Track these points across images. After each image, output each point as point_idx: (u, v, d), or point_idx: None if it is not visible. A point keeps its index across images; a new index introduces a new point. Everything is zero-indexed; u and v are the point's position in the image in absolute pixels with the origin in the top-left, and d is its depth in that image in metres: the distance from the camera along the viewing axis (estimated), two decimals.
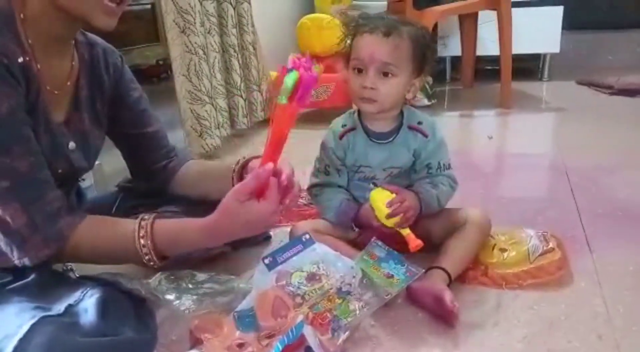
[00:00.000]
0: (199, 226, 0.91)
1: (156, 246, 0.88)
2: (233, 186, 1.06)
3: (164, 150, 1.16)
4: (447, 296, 0.92)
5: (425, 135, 1.12)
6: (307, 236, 1.00)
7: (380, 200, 1.04)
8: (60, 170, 0.94)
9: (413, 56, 1.06)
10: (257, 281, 0.95)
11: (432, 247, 1.09)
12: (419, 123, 1.13)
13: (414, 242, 1.01)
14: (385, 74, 1.04)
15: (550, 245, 1.12)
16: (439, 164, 1.13)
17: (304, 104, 0.85)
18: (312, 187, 1.19)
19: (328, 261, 0.98)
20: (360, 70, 1.05)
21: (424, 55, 1.08)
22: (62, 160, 0.95)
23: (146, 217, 0.91)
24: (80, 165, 1.01)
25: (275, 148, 0.88)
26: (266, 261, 0.95)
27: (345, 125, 1.15)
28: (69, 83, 0.95)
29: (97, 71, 1.02)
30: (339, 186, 1.17)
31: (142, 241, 0.88)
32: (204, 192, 1.12)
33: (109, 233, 0.90)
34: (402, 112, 1.13)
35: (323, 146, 1.17)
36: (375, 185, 1.12)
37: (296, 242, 0.98)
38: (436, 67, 3.26)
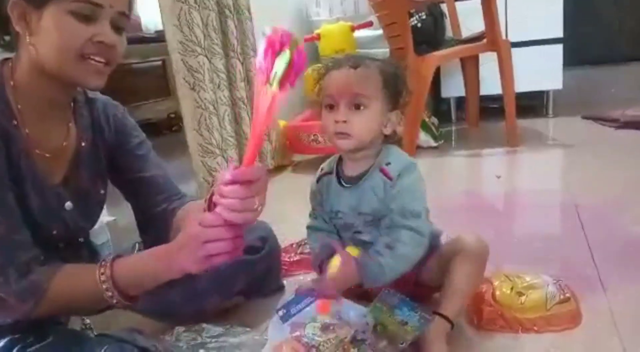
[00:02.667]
0: (152, 254, 0.90)
1: (117, 284, 0.88)
2: None
3: (164, 195, 1.12)
4: None
5: (390, 178, 1.01)
6: None
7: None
8: (54, 232, 0.95)
9: (384, 87, 1.01)
10: (272, 334, 0.96)
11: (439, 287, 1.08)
12: (387, 164, 1.03)
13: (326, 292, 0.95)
14: (357, 107, 0.99)
15: (567, 294, 1.09)
16: (403, 211, 1.00)
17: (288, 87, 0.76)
18: (307, 228, 1.17)
19: (341, 309, 0.99)
20: (332, 107, 1.01)
21: (396, 86, 1.03)
22: (57, 222, 0.95)
23: (107, 257, 0.90)
24: (78, 225, 1.00)
25: (259, 142, 0.82)
26: (280, 312, 0.96)
27: (323, 168, 1.13)
28: (65, 144, 0.96)
29: (97, 124, 1.03)
30: (329, 231, 1.13)
31: (104, 286, 0.87)
32: None
33: (80, 280, 0.89)
34: (379, 154, 1.06)
35: (310, 189, 1.15)
36: (360, 232, 1.07)
37: (308, 293, 0.99)
38: (440, 107, 3.33)
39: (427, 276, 1.11)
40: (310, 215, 1.16)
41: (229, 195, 0.79)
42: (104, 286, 0.87)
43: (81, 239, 1.06)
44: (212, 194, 0.84)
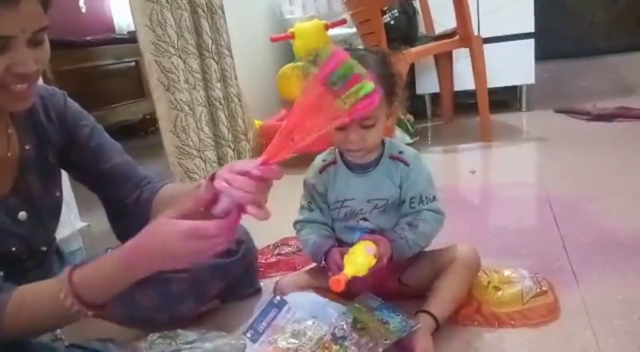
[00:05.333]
0: (113, 256, 0.83)
1: (80, 296, 0.80)
2: None
3: (131, 183, 1.08)
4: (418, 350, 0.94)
5: (407, 164, 1.09)
6: (278, 298, 0.98)
7: (359, 254, 0.99)
8: (14, 249, 0.90)
9: (385, 95, 1.00)
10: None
11: (425, 291, 1.08)
12: (400, 152, 1.11)
13: (338, 283, 0.92)
14: (367, 126, 1.01)
15: (543, 287, 1.11)
16: (421, 198, 1.09)
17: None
18: (296, 223, 1.17)
19: (318, 308, 0.98)
20: (341, 128, 0.99)
21: (391, 85, 1.05)
22: (13, 237, 0.91)
23: (65, 269, 0.84)
24: (35, 236, 0.96)
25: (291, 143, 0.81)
26: (248, 334, 0.94)
27: (325, 160, 1.14)
28: (9, 154, 0.92)
29: (39, 123, 0.97)
30: (324, 224, 1.14)
31: (67, 300, 0.80)
32: None
33: (36, 302, 0.82)
34: (383, 143, 1.11)
35: (304, 183, 1.15)
36: (366, 219, 1.10)
37: (269, 307, 0.97)
38: (415, 104, 3.34)
39: (415, 277, 1.11)
40: (303, 208, 1.16)
41: (247, 188, 0.78)
42: (68, 301, 0.80)
43: (44, 248, 1.01)
44: (212, 178, 0.81)
